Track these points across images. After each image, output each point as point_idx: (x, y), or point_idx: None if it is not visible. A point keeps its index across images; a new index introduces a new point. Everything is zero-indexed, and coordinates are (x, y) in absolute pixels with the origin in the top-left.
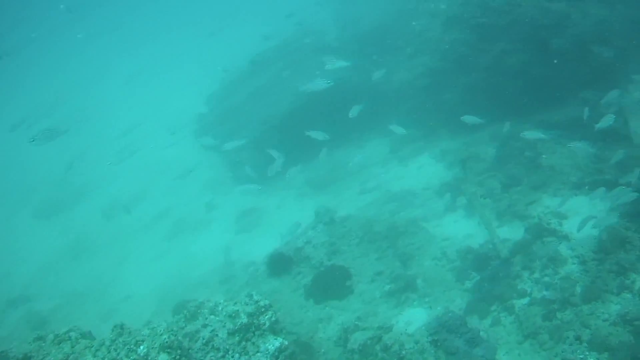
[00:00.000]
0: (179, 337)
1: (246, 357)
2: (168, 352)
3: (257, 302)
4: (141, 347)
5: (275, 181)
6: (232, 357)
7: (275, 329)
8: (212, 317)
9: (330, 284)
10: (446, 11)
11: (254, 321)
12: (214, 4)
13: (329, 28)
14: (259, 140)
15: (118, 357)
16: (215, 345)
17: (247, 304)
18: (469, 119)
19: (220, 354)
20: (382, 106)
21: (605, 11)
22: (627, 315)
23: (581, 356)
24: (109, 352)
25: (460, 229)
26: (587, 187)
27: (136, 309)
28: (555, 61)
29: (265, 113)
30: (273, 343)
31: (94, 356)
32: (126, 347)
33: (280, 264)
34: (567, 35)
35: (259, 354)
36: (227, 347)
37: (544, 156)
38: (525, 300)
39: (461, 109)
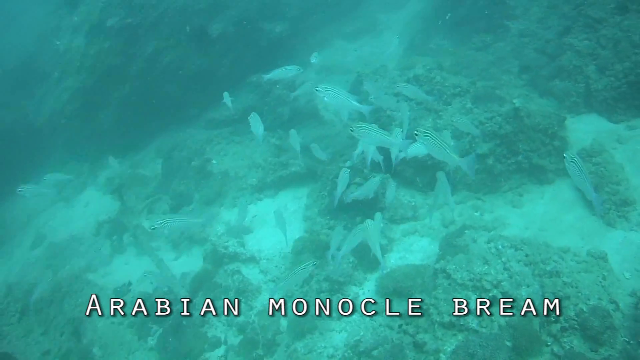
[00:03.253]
0: None
1: None
2: None
3: None
4: None
5: None
6: None
7: None
8: None
9: None
10: (88, 21)
11: None
12: None
13: None
14: None
15: None
16: None
17: None
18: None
19: None
20: (38, 143)
21: None
22: (360, 345)
23: None
24: None
25: (132, 272)
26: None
27: None
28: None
29: None
30: None
31: None
32: None
33: None
34: (228, 17)
35: None
36: None
37: (213, 161)
38: (221, 351)
39: (120, 127)
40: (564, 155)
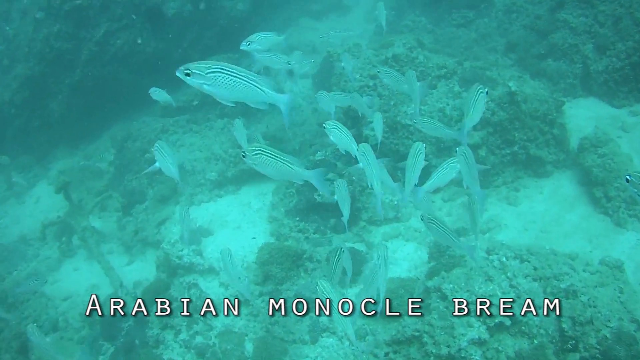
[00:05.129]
0: None
1: None
2: None
3: None
4: None
5: None
6: None
7: None
8: None
9: None
10: (37, 3)
11: None
12: None
13: None
14: None
15: None
16: None
17: None
18: None
19: None
20: None
21: None
22: None
23: None
24: None
25: (83, 279)
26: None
27: None
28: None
29: None
30: None
31: None
32: None
33: None
34: None
35: None
36: None
37: None
38: None
39: (72, 116)
40: (627, 177)
